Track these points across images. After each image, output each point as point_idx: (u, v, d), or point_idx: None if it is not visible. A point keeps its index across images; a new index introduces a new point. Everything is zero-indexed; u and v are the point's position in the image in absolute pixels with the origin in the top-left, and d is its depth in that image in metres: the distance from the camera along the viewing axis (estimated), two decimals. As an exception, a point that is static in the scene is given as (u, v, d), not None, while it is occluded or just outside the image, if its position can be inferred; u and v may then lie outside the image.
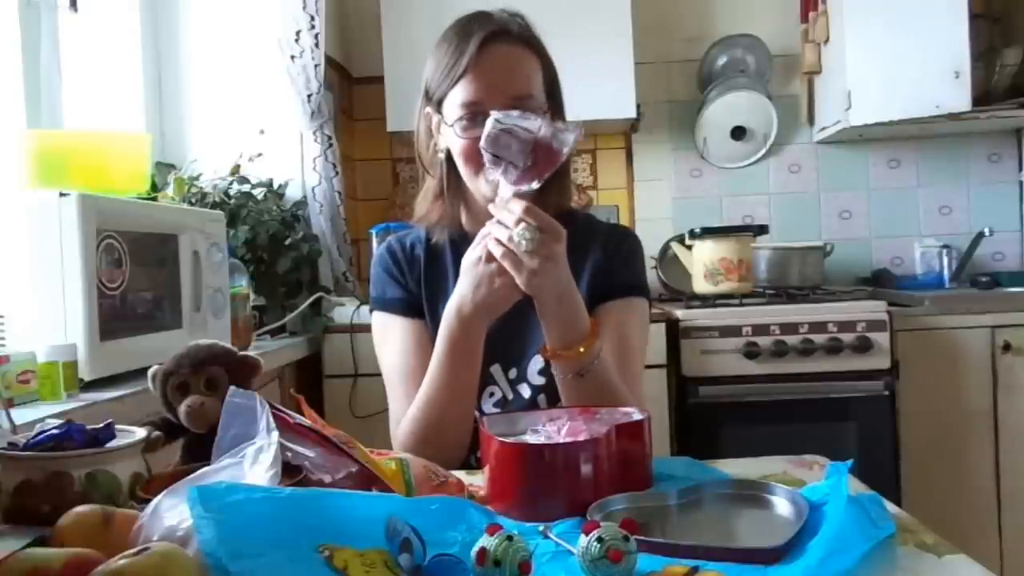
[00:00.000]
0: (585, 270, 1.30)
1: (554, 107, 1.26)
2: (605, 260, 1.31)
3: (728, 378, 2.35)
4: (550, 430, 0.98)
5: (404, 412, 1.25)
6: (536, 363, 1.27)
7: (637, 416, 0.99)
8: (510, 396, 1.27)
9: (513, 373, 1.28)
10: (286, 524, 0.65)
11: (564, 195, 1.31)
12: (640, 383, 1.29)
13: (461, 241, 1.31)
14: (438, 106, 1.23)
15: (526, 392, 1.27)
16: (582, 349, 1.13)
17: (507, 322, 1.27)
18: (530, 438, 0.97)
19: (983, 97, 2.71)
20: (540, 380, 1.27)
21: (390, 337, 1.32)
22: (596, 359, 1.14)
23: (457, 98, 1.19)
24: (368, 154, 3.06)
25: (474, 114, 1.17)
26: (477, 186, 1.22)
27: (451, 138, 1.22)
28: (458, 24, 1.24)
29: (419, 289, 1.32)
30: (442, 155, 1.25)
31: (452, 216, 1.29)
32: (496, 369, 1.27)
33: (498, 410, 1.26)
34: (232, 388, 0.82)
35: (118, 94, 2.35)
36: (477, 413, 1.27)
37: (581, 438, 0.93)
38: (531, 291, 1.09)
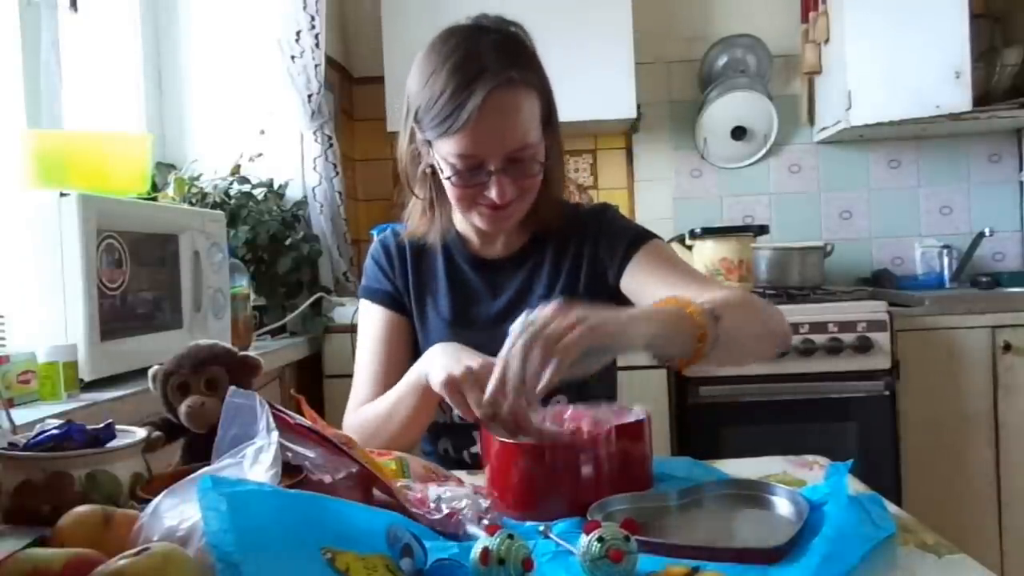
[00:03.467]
0: (569, 255, 1.30)
1: (551, 133, 1.23)
2: (594, 243, 1.30)
3: (728, 378, 2.34)
4: (552, 415, 0.99)
5: (362, 398, 1.30)
6: None
7: (637, 416, 0.99)
8: None
9: None
10: (292, 521, 0.65)
11: (555, 204, 1.31)
12: (717, 283, 1.25)
13: (453, 242, 1.34)
14: (428, 142, 1.20)
15: None
16: (704, 346, 0.99)
17: (496, 318, 1.28)
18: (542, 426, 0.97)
19: (983, 97, 2.71)
20: None
21: (368, 323, 1.36)
22: (718, 325, 0.99)
23: (452, 148, 1.15)
24: (368, 154, 3.06)
25: (470, 166, 1.16)
26: (470, 219, 1.25)
27: (443, 179, 1.20)
28: (453, 55, 1.14)
29: (406, 288, 1.34)
30: (428, 171, 1.25)
31: (443, 226, 1.31)
32: None
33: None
34: (232, 388, 0.82)
35: (118, 94, 2.34)
36: None
37: (585, 423, 0.93)
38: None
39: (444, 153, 1.17)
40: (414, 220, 1.33)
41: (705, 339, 0.98)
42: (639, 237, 1.29)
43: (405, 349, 1.32)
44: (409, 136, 1.24)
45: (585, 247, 1.30)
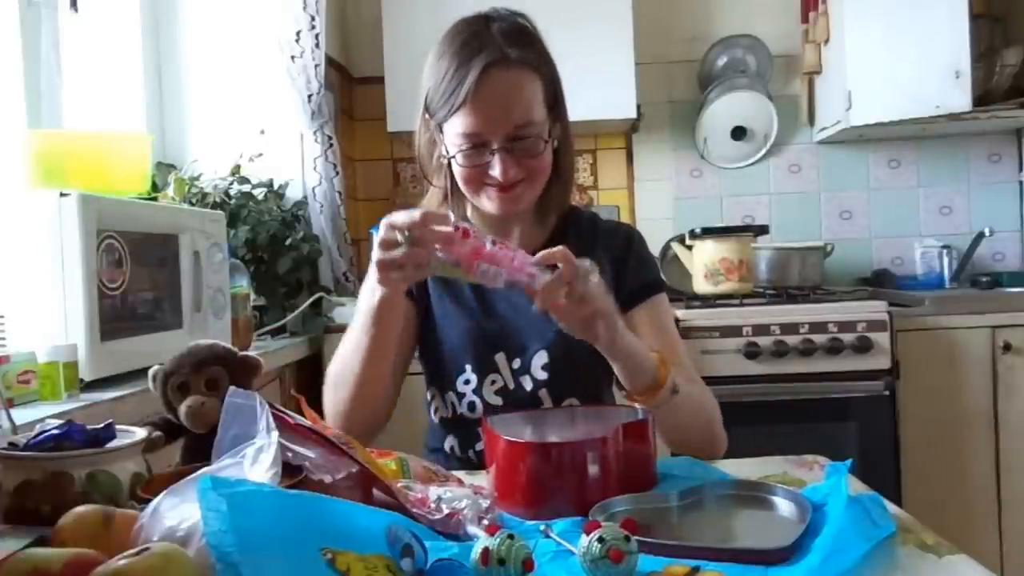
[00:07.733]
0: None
1: (556, 118, 1.25)
2: (617, 263, 1.32)
3: (728, 378, 2.34)
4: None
5: None
6: (540, 357, 1.27)
7: (640, 416, 0.99)
8: (511, 386, 1.28)
9: (517, 363, 1.28)
10: (292, 521, 0.65)
11: (567, 193, 1.33)
12: (694, 370, 1.30)
13: None
14: (439, 126, 1.23)
15: (528, 384, 1.27)
16: (656, 394, 1.10)
17: (515, 312, 1.29)
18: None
19: (983, 97, 2.71)
20: (543, 375, 1.27)
21: None
22: (675, 392, 1.12)
23: (457, 127, 1.18)
24: (368, 154, 3.06)
25: (474, 144, 1.18)
26: (479, 203, 1.25)
27: (451, 160, 1.22)
28: (458, 39, 1.20)
29: (418, 286, 1.33)
30: (445, 161, 1.25)
31: (458, 218, 1.30)
32: (500, 357, 1.28)
33: (500, 399, 1.27)
34: (232, 388, 0.82)
35: (118, 94, 2.34)
36: (478, 399, 1.27)
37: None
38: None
39: (450, 135, 1.20)
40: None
41: (659, 390, 1.09)
42: (656, 285, 1.34)
43: (406, 331, 1.29)
44: (424, 125, 1.27)
45: (605, 260, 1.30)
